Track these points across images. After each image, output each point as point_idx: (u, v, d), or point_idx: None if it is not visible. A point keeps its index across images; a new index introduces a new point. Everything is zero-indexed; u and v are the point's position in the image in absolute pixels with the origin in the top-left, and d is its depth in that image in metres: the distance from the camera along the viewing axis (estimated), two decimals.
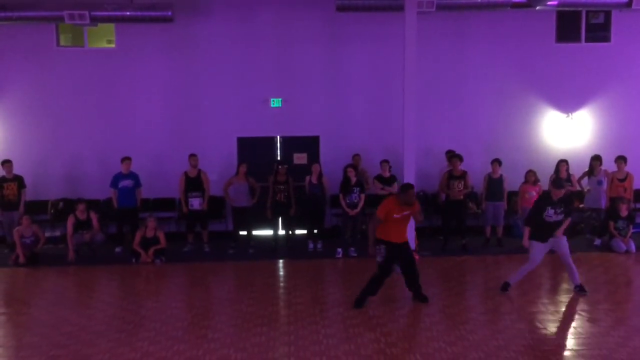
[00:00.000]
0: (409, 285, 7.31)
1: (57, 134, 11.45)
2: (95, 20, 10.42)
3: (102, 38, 11.99)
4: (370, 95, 11.62)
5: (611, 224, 10.07)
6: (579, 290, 7.54)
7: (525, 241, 7.49)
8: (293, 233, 10.70)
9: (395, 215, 7.00)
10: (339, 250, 9.86)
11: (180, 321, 6.71)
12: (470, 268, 9.08)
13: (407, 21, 9.71)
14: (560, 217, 7.34)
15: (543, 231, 7.38)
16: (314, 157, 11.47)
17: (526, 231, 7.51)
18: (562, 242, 7.47)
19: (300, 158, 11.62)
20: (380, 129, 11.52)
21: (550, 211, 7.29)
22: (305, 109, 11.60)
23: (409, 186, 7.13)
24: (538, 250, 7.45)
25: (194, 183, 10.32)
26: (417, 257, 9.54)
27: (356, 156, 10.87)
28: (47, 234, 10.59)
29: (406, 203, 7.03)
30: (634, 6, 10.30)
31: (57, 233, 10.89)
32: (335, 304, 7.25)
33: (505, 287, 7.68)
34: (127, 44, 11.44)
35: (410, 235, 9.89)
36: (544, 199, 7.49)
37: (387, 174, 10.30)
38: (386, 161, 10.37)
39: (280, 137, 11.73)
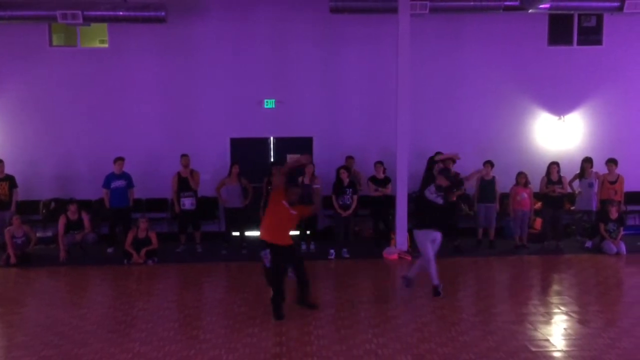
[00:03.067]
0: (299, 288, 6.99)
1: (50, 134, 11.42)
2: (88, 20, 10.42)
3: (95, 38, 11.98)
4: (364, 97, 11.64)
5: (602, 226, 10.13)
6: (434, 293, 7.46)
7: None
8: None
9: (284, 202, 6.71)
10: (332, 251, 9.88)
11: (172, 322, 6.70)
12: (462, 269, 9.12)
13: (401, 23, 9.76)
14: (440, 200, 7.36)
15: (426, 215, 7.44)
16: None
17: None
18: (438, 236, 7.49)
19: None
20: (374, 131, 11.54)
21: (433, 194, 7.35)
22: (299, 110, 11.62)
23: (293, 185, 6.97)
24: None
25: (186, 183, 10.32)
26: (408, 257, 9.62)
27: (349, 158, 10.89)
28: (39, 234, 10.56)
29: (291, 202, 6.84)
30: (625, 10, 10.40)
31: (49, 233, 10.87)
32: (327, 305, 7.26)
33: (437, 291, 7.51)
34: (120, 44, 11.42)
35: (403, 236, 9.99)
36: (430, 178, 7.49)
37: (381, 176, 10.32)
38: (380, 162, 10.39)
39: (273, 138, 11.73)
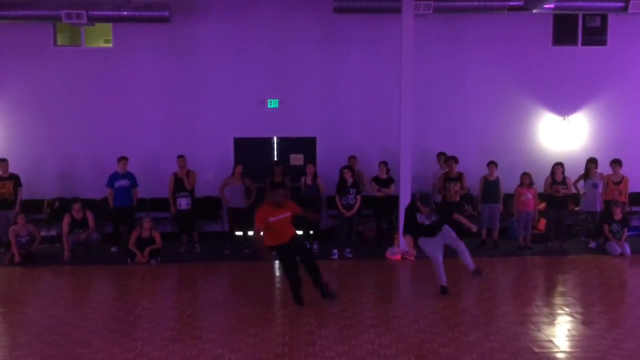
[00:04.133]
0: (314, 281, 7.19)
1: (54, 133, 11.45)
2: (92, 20, 10.44)
3: (100, 38, 11.99)
4: (367, 97, 11.64)
5: (606, 227, 10.10)
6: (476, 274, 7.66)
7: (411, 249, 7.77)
8: None
9: (271, 219, 6.93)
10: (335, 251, 9.87)
11: (175, 321, 6.71)
12: (465, 270, 9.06)
13: (404, 23, 9.74)
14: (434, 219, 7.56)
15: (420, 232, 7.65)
16: (311, 158, 11.49)
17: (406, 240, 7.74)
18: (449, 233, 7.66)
19: (296, 159, 11.63)
20: (377, 131, 11.54)
21: (422, 217, 7.55)
22: (302, 110, 11.62)
23: (276, 186, 7.13)
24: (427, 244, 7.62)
25: (182, 183, 10.30)
26: (412, 258, 9.60)
27: (352, 157, 10.88)
28: (43, 233, 10.57)
29: (277, 204, 7.00)
30: (630, 10, 10.36)
31: (53, 232, 10.88)
32: (330, 305, 7.25)
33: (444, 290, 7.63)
34: (125, 43, 11.45)
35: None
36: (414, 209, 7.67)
37: (385, 176, 10.30)
38: (384, 163, 10.37)
39: (277, 138, 11.73)
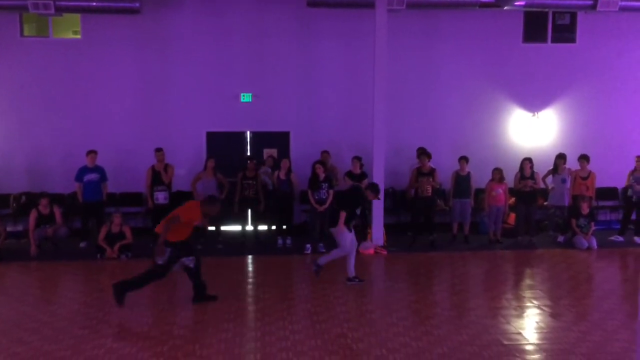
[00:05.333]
0: (193, 283, 7.10)
1: (21, 126, 11.18)
2: (60, 10, 10.20)
3: (68, 29, 11.74)
4: (342, 92, 11.64)
5: (573, 221, 10.30)
6: (351, 280, 7.90)
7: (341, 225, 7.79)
8: (263, 229, 10.66)
9: (195, 223, 6.98)
10: (308, 246, 9.87)
11: (146, 317, 6.63)
12: (438, 264, 9.19)
13: (378, 18, 9.77)
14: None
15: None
16: (285, 152, 11.45)
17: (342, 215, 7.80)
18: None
19: (270, 153, 11.57)
20: (351, 126, 11.55)
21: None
22: (276, 104, 11.56)
23: (216, 200, 7.13)
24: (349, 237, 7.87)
25: (159, 177, 10.19)
26: (384, 252, 9.66)
27: (325, 152, 10.87)
28: (9, 229, 10.34)
29: (208, 214, 7.03)
30: (599, 8, 10.55)
31: (20, 227, 10.66)
32: (303, 300, 7.26)
33: (318, 269, 7.99)
34: (94, 35, 11.22)
35: (379, 231, 10.03)
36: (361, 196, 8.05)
37: (358, 171, 10.32)
38: (358, 158, 10.39)
39: (250, 132, 11.66)
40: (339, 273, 8.48)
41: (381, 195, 8.70)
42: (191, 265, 7.00)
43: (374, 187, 8.12)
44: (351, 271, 7.90)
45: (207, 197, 7.38)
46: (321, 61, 11.58)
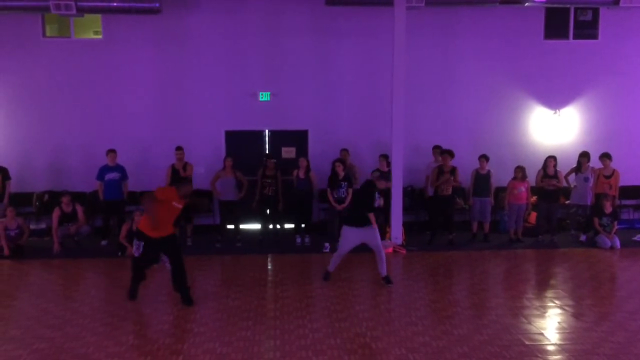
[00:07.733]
0: (175, 284, 7.05)
1: (43, 126, 11.34)
2: (81, 11, 10.30)
3: (89, 29, 11.87)
4: (359, 90, 11.61)
5: (596, 220, 10.15)
6: (386, 281, 7.77)
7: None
8: (281, 227, 10.69)
9: (174, 204, 6.85)
10: (327, 244, 9.86)
11: (166, 315, 6.68)
12: (457, 263, 9.12)
13: (397, 16, 9.72)
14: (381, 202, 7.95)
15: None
16: (303, 151, 11.46)
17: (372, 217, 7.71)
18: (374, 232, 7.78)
19: (288, 152, 11.60)
20: (369, 124, 11.52)
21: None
22: (293, 103, 11.57)
23: (184, 180, 7.13)
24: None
25: (179, 175, 10.26)
26: (403, 251, 9.62)
27: (344, 151, 10.86)
28: (32, 227, 10.51)
29: (184, 194, 6.95)
30: (621, 4, 10.38)
31: (42, 225, 10.82)
32: (322, 298, 7.25)
33: (327, 276, 7.96)
34: (114, 35, 11.34)
35: (398, 229, 9.99)
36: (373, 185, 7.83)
37: (386, 169, 10.27)
38: (385, 156, 10.36)
39: (268, 131, 11.68)
40: (358, 271, 8.48)
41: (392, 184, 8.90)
42: (167, 264, 7.14)
43: (383, 175, 7.98)
44: (331, 266, 7.99)
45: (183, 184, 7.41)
46: (339, 59, 11.56)
